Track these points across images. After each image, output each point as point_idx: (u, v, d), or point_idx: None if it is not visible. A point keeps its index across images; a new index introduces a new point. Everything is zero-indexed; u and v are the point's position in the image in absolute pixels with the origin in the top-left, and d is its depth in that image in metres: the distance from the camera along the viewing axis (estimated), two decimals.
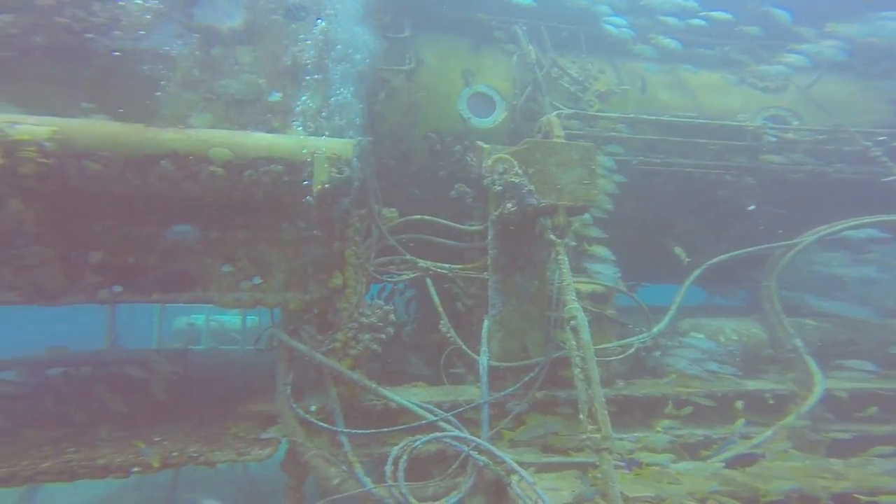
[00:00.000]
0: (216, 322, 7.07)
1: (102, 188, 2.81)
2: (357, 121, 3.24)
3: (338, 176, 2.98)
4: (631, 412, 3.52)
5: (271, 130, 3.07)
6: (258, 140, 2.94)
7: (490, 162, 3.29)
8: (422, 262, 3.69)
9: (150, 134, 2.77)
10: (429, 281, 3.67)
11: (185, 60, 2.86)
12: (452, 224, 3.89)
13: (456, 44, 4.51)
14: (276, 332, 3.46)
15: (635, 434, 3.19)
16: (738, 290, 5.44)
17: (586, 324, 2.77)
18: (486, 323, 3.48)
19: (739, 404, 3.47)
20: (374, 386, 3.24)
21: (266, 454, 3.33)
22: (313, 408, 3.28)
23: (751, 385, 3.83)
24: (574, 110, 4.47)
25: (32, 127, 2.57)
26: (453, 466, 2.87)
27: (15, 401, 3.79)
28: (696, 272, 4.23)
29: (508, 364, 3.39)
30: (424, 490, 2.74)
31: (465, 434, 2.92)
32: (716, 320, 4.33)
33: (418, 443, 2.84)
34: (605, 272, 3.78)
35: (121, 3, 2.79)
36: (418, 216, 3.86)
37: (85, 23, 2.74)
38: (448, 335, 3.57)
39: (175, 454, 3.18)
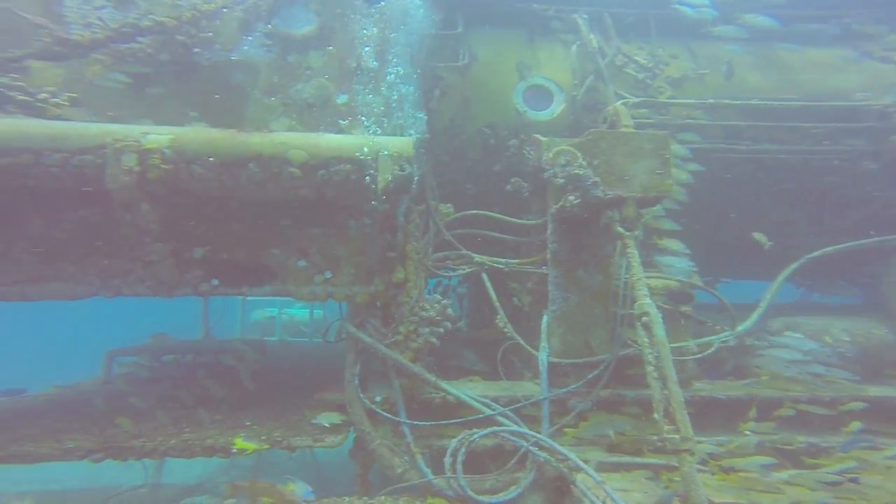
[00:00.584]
0: (287, 315, 7.66)
1: (204, 190, 3.18)
2: (417, 117, 3.38)
3: (400, 173, 3.12)
4: (710, 415, 3.17)
5: (339, 131, 3.31)
6: (329, 141, 3.18)
7: (551, 154, 3.22)
8: (478, 257, 3.70)
9: (240, 139, 3.10)
10: (485, 276, 3.67)
11: (267, 68, 3.20)
12: (508, 218, 3.86)
13: (510, 37, 4.50)
14: (344, 325, 3.67)
15: (718, 437, 2.87)
16: (846, 287, 4.68)
17: (660, 320, 2.59)
18: (545, 318, 3.38)
19: (856, 405, 2.96)
20: (433, 379, 3.29)
21: (338, 441, 3.52)
22: (378, 398, 3.41)
23: (874, 391, 3.26)
24: (642, 98, 4.25)
25: (157, 136, 3.00)
26: (512, 461, 2.81)
27: (147, 384, 4.40)
28: (793, 266, 3.72)
29: (570, 360, 3.25)
30: (482, 483, 2.71)
31: (525, 429, 2.84)
32: (818, 319, 3.78)
33: (476, 436, 2.82)
34: (678, 266, 3.48)
35: (216, 21, 3.16)
36: (474, 211, 3.88)
37: (195, 38, 3.17)
38: (505, 330, 3.52)
39: (263, 437, 3.47)
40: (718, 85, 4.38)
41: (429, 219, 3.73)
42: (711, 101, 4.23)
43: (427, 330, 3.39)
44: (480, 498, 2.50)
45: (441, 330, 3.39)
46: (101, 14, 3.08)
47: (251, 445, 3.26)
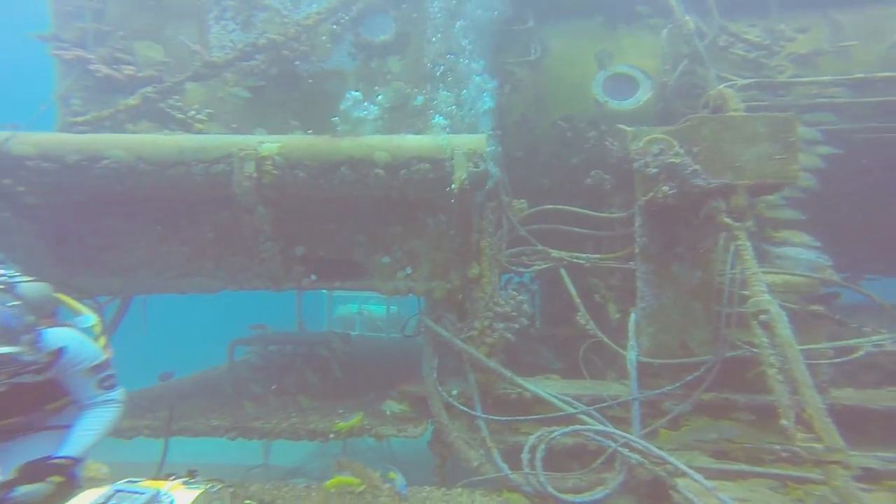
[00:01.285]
0: (366, 311, 8.08)
1: (305, 193, 3.53)
2: (489, 115, 3.42)
3: (475, 170, 3.18)
4: (862, 427, 2.56)
5: (418, 132, 3.49)
6: (409, 141, 3.37)
7: (641, 144, 3.02)
8: (555, 253, 3.55)
9: (334, 143, 3.39)
10: (563, 271, 3.51)
11: (354, 75, 3.53)
12: (588, 212, 3.67)
13: (586, 27, 4.36)
14: (423, 319, 3.79)
15: (879, 453, 2.31)
16: None
17: (784, 318, 2.24)
18: (633, 316, 3.10)
19: None
20: (509, 374, 3.22)
21: (418, 432, 3.61)
22: (454, 392, 3.43)
23: None
24: (754, 79, 3.78)
25: (269, 144, 3.42)
26: (598, 461, 2.59)
27: (262, 371, 4.93)
28: None
29: (664, 361, 2.92)
30: (564, 482, 2.54)
31: (612, 429, 2.61)
32: None
33: (558, 433, 2.68)
34: (803, 259, 2.94)
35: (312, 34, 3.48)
36: (550, 206, 3.76)
37: (296, 52, 3.63)
38: (587, 328, 3.31)
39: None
40: (870, 57, 3.73)
41: (502, 215, 3.71)
42: (861, 75, 3.60)
43: (502, 325, 3.34)
44: (564, 496, 2.34)
45: (516, 326, 3.32)
46: (232, 37, 3.67)
47: (349, 424, 3.51)
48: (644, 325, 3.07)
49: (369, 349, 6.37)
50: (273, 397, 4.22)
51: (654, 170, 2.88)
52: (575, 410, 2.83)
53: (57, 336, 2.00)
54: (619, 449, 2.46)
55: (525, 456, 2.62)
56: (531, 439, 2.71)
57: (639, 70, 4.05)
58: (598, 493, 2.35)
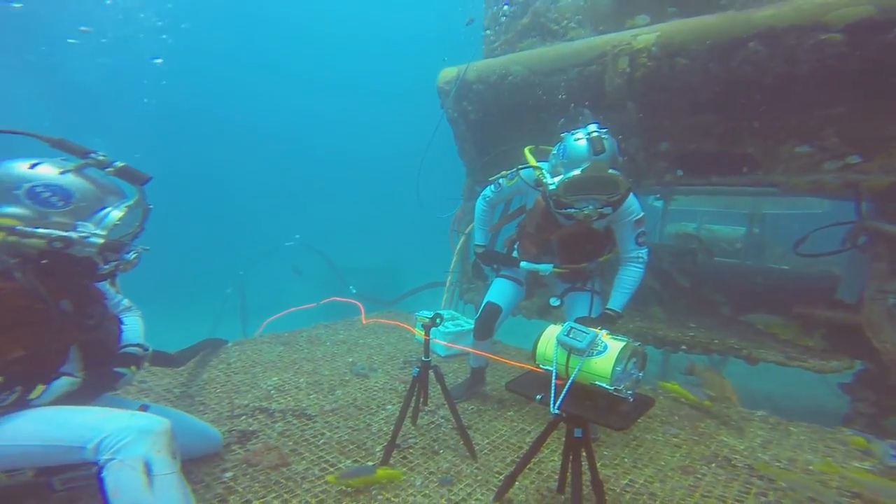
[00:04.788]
0: (707, 230, 6.87)
1: (680, 83, 3.13)
2: None
3: None
4: None
5: None
6: None
7: None
8: None
9: (741, 18, 2.78)
10: None
11: None
12: None
13: None
14: (869, 224, 2.82)
15: None
16: None
17: None
18: None
19: None
20: None
21: (841, 366, 2.91)
22: None
23: None
24: None
25: (645, 35, 3.17)
26: None
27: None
28: None
29: None
30: None
31: None
32: None
33: None
34: None
35: None
36: None
37: None
38: None
39: (716, 342, 3.40)
40: None
41: None
42: None
43: None
44: None
45: None
46: None
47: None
48: None
49: (713, 271, 5.56)
50: (657, 308, 4.08)
51: None
52: None
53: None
54: None
55: None
56: None
57: None
58: None
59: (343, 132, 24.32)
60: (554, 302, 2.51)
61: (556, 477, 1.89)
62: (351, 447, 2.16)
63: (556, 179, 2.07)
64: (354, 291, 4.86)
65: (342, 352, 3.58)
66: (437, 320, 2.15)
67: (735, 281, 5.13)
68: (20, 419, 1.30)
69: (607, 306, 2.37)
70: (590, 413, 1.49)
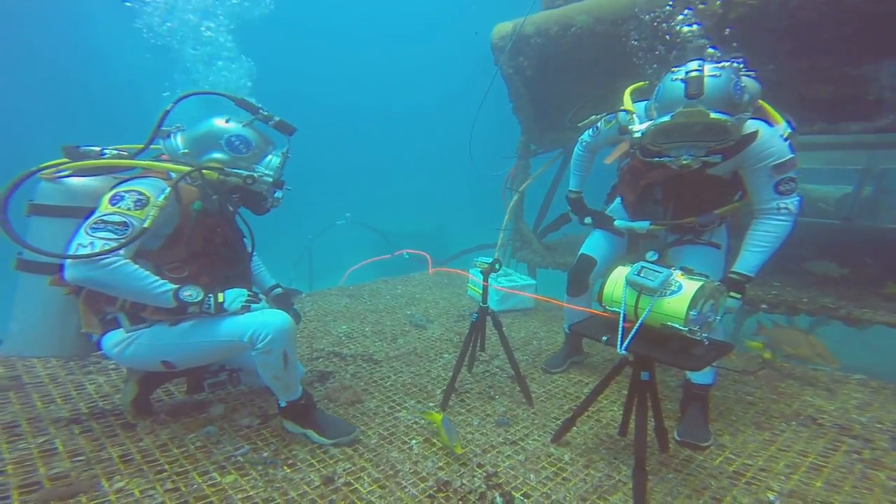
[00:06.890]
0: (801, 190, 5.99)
1: (772, 23, 2.77)
2: None
3: None
4: None
5: None
6: None
7: None
8: None
9: None
10: None
11: None
12: None
13: None
14: None
15: None
16: None
17: None
18: None
19: None
20: None
21: None
22: None
23: None
24: None
25: None
26: None
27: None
28: None
29: None
30: None
31: None
32: None
33: None
34: None
35: None
36: None
37: None
38: None
39: (805, 300, 3.06)
40: None
41: None
42: None
43: None
44: None
45: None
46: None
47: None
48: None
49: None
50: None
51: None
52: None
53: (752, 123, 1.79)
54: None
55: None
56: None
57: None
58: None
59: (393, 95, 24.05)
60: (651, 256, 1.91)
61: (616, 425, 1.91)
62: (414, 389, 2.34)
63: (643, 127, 1.79)
64: (407, 257, 5.10)
65: (401, 305, 3.80)
66: (497, 265, 2.18)
67: (829, 241, 4.52)
68: (202, 324, 1.65)
69: (733, 268, 1.89)
70: (660, 354, 1.44)
